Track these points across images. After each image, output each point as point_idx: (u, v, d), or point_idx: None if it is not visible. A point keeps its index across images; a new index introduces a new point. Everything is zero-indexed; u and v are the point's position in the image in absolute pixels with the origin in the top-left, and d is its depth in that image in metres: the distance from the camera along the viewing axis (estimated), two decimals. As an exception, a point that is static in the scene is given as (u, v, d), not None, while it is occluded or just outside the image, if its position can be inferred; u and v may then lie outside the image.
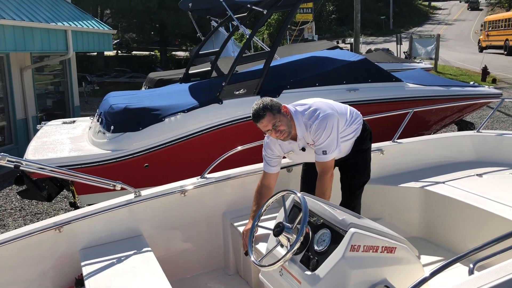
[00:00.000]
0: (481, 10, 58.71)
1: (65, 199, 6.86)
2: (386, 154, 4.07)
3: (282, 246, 2.33)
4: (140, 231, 3.17)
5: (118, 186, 3.08)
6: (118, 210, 3.11)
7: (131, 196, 3.19)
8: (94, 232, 3.02)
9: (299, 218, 2.21)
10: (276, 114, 2.87)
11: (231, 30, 8.26)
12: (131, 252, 2.87)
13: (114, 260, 2.78)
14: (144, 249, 2.91)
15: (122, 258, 2.80)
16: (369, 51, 23.03)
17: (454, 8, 63.93)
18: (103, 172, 4.65)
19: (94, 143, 5.24)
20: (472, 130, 6.19)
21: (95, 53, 26.69)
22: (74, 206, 5.15)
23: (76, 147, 5.20)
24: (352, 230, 2.10)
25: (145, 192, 3.24)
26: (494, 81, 18.38)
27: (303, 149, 3.12)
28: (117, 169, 5.00)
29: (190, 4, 6.72)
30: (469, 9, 57.70)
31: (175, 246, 3.36)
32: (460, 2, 63.91)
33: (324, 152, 2.99)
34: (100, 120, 5.44)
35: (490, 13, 58.79)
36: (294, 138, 3.07)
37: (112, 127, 5.13)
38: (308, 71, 6.16)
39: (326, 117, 2.99)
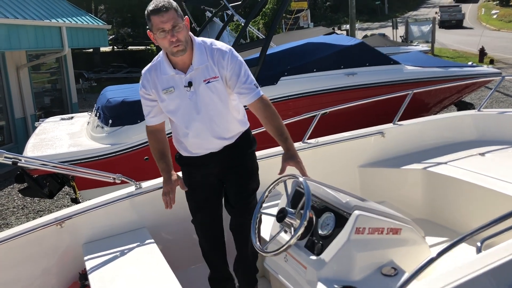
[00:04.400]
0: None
1: (67, 195, 6.84)
2: (387, 137, 4.04)
3: (286, 232, 2.30)
4: (143, 223, 3.14)
5: (118, 179, 3.05)
6: (120, 203, 3.08)
7: (132, 189, 3.16)
8: (96, 226, 2.99)
9: (302, 202, 2.18)
10: (179, 17, 2.31)
11: (226, 20, 8.19)
12: (134, 245, 2.85)
13: (117, 254, 2.76)
14: (147, 241, 2.89)
15: (125, 251, 2.78)
16: (365, 36, 22.91)
17: (449, -10, 63.46)
18: (103, 167, 4.61)
19: (93, 137, 5.21)
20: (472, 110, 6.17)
21: (91, 50, 26.57)
22: (76, 201, 5.13)
23: (75, 142, 5.17)
24: (356, 212, 2.07)
25: (146, 184, 3.21)
26: (491, 61, 18.30)
27: (189, 84, 2.44)
28: (117, 163, 4.97)
29: (183, -6, 6.66)
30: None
31: (178, 237, 3.33)
32: None
33: (256, 86, 2.51)
34: (98, 115, 5.40)
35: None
36: (184, 69, 2.46)
37: (110, 121, 5.09)
38: (305, 57, 6.11)
39: (234, 51, 2.56)
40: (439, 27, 35.23)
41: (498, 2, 49.28)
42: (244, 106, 2.67)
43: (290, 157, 2.51)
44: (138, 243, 2.87)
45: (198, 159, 2.66)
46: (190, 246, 3.39)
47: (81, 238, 2.94)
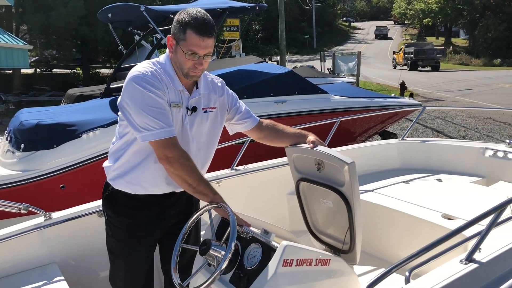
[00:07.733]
0: (389, 39, 61.91)
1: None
2: None
3: (209, 265, 2.13)
4: (52, 258, 2.83)
5: (24, 209, 2.72)
6: (26, 236, 2.75)
7: (41, 220, 2.84)
8: None
9: (227, 233, 2.03)
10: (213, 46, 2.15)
11: (155, 44, 8.00)
12: (40, 284, 2.54)
13: None
14: (57, 279, 2.59)
15: None
16: (294, 68, 23.56)
17: (372, 28, 67.69)
18: (12, 195, 4.20)
19: (2, 163, 4.77)
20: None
21: (11, 71, 25.08)
22: (-21, 235, 4.61)
23: (-20, 169, 4.69)
24: (284, 243, 1.95)
25: (57, 214, 2.90)
26: (411, 95, 19.39)
27: (193, 109, 2.22)
28: (29, 191, 4.55)
29: (109, 15, 6.40)
30: (378, 38, 63.05)
31: (92, 273, 3.03)
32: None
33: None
34: (9, 139, 4.96)
35: (404, 33, 63.02)
36: (188, 89, 2.23)
37: (22, 145, 4.68)
38: (235, 84, 6.05)
39: None
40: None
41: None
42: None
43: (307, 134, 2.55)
44: (46, 281, 2.57)
45: (153, 199, 2.28)
46: (105, 284, 3.10)
47: None
